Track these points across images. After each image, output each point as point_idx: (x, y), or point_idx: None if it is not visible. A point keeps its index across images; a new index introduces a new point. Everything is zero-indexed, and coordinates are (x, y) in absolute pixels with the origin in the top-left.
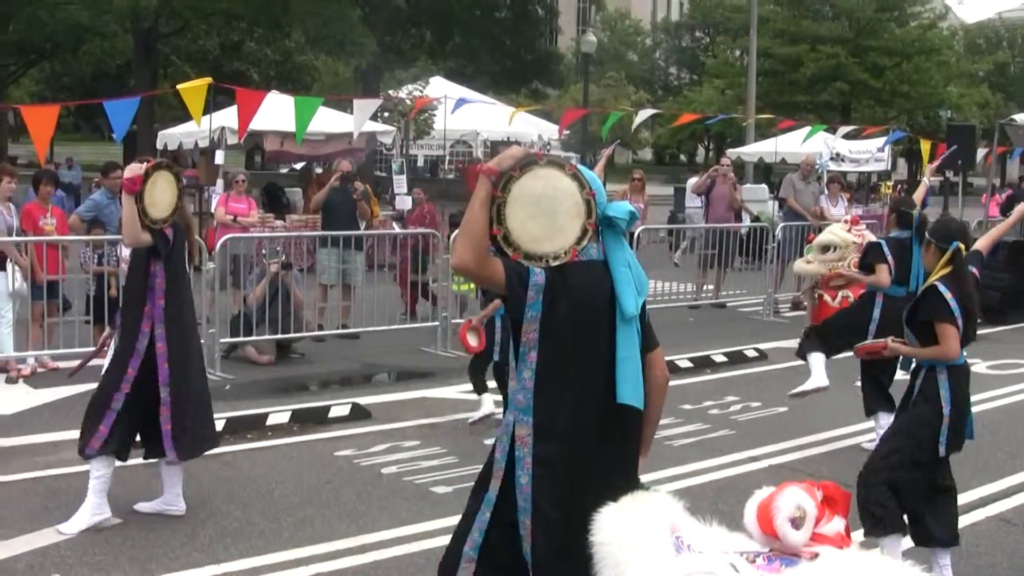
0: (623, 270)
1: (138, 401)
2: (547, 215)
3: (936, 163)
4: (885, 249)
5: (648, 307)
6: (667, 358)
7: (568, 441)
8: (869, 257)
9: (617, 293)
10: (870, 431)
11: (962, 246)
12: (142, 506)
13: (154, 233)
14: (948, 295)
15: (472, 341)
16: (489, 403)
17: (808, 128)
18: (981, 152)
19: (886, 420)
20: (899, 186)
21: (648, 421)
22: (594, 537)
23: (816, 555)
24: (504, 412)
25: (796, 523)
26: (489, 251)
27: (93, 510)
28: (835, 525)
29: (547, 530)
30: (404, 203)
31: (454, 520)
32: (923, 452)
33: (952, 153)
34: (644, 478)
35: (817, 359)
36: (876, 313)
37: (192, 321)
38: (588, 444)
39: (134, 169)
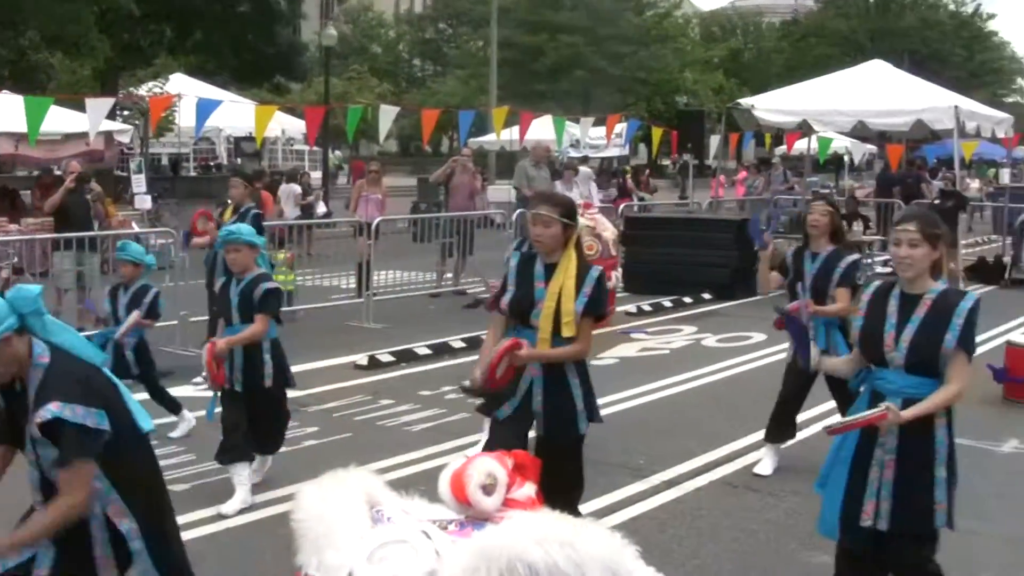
0: None
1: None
2: None
3: None
4: None
5: (389, 297)
6: (406, 346)
7: None
8: None
9: None
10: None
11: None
12: None
13: None
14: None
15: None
16: (190, 418)
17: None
18: (716, 137)
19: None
20: (647, 171)
21: None
22: (294, 515)
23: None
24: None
25: (488, 490)
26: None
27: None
28: (526, 491)
29: None
30: (143, 202)
31: (194, 516)
32: None
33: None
34: (380, 466)
35: None
36: None
37: None
38: None
39: None
